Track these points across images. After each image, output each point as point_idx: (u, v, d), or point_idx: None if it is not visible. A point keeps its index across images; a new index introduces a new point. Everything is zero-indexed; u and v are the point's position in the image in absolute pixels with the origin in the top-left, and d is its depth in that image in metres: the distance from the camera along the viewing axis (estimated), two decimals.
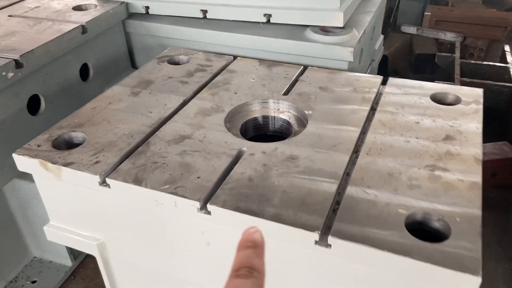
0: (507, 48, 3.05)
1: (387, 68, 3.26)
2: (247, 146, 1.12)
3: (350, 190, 0.97)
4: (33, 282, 1.70)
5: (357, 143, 1.13)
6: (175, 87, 1.42)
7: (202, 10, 1.75)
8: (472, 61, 2.91)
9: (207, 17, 1.77)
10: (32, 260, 1.77)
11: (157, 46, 1.91)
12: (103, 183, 1.04)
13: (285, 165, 1.05)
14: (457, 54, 2.96)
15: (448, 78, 2.86)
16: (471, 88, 1.33)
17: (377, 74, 2.46)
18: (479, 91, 1.32)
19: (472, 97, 1.29)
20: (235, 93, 1.37)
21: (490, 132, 1.58)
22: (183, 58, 1.62)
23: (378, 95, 1.35)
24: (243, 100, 1.33)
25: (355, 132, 1.16)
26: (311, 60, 1.65)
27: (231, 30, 1.73)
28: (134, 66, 2.02)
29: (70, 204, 1.19)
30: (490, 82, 2.58)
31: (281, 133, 1.32)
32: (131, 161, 1.08)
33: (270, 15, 1.65)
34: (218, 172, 1.03)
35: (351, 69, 1.64)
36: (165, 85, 1.43)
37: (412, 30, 3.44)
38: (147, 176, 1.03)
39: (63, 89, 1.60)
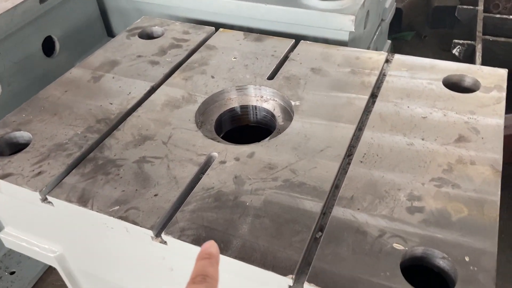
0: None
1: (401, 23, 2.95)
2: (218, 150, 0.94)
3: (337, 212, 0.80)
4: (12, 273, 1.61)
5: (350, 145, 0.94)
6: (143, 69, 1.22)
7: None
8: (497, 15, 2.59)
9: None
10: (10, 250, 1.67)
11: (133, 11, 1.69)
12: (45, 200, 0.89)
13: (261, 178, 0.87)
14: (480, 7, 2.63)
15: (469, 34, 2.57)
16: (493, 68, 1.10)
17: (389, 30, 2.20)
18: (503, 73, 1.09)
19: (493, 80, 1.07)
20: (212, 77, 1.17)
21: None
22: (157, 30, 1.40)
23: (381, 78, 1.13)
24: (220, 86, 1.13)
25: (349, 130, 0.97)
26: (306, 29, 1.42)
27: None
28: (110, 34, 1.81)
29: (21, 214, 1.05)
30: None
31: (265, 125, 1.13)
32: (80, 171, 0.92)
33: None
34: (180, 187, 0.86)
35: (354, 38, 1.41)
36: (132, 66, 1.23)
37: None
38: (95, 192, 0.86)
39: (22, 69, 1.41)
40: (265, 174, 0.88)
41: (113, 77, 1.19)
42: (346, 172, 0.88)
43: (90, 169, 0.92)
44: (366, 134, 0.95)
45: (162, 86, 1.15)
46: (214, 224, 0.79)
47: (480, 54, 2.21)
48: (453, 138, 0.92)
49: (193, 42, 1.32)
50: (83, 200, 0.85)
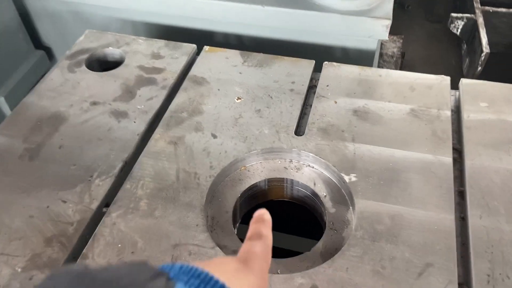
0: None
1: None
2: None
3: None
4: None
5: (457, 257, 0.62)
6: (105, 127, 0.81)
7: None
8: None
9: None
10: None
11: (68, 14, 1.22)
12: None
13: None
14: None
15: (460, 2, 2.29)
16: None
17: None
18: None
19: None
20: (213, 136, 0.79)
21: None
22: (113, 53, 0.98)
23: (457, 122, 0.81)
24: (229, 152, 0.76)
25: (446, 225, 0.64)
26: (320, 36, 1.05)
27: None
28: (39, 46, 1.33)
29: None
30: None
31: (303, 203, 0.78)
32: None
33: None
34: None
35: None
36: (88, 123, 0.82)
37: None
38: None
39: None
40: None
41: (60, 147, 0.78)
42: None
43: None
44: (477, 234, 0.63)
45: (141, 159, 0.76)
46: None
47: (485, 31, 1.93)
48: None
49: (171, 72, 0.92)
50: None
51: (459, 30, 2.07)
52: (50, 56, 1.36)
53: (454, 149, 0.76)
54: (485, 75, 1.88)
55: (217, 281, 0.31)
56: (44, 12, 1.26)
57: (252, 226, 0.47)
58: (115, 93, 0.88)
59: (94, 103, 0.86)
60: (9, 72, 1.23)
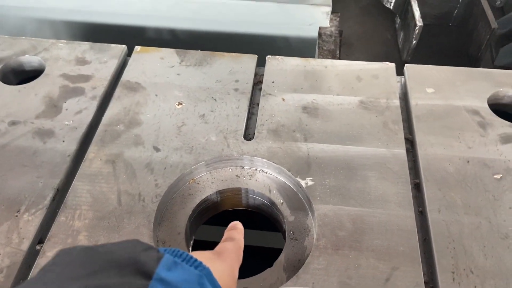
0: None
1: None
2: None
3: None
4: None
5: (422, 256, 0.61)
6: (29, 150, 0.71)
7: None
8: None
9: None
10: None
11: None
12: None
13: None
14: None
15: None
16: None
17: None
18: None
19: None
20: (156, 149, 0.72)
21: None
22: (30, 60, 0.86)
23: (406, 110, 0.80)
24: (175, 166, 0.69)
25: (407, 223, 0.63)
26: (259, 26, 0.99)
27: None
28: None
29: None
30: None
31: (260, 210, 0.74)
32: None
33: None
34: None
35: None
36: (8, 147, 0.72)
37: None
38: None
39: None
40: None
41: None
42: None
43: None
44: (437, 229, 0.62)
45: (74, 184, 0.67)
46: None
47: (417, 5, 1.96)
48: None
49: (101, 79, 0.83)
50: None
51: (392, 5, 2.09)
52: None
53: (406, 139, 0.74)
54: (420, 48, 1.92)
55: (195, 259, 0.37)
56: None
57: (226, 233, 0.53)
58: (37, 109, 0.78)
59: (13, 123, 0.75)
60: None
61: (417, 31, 1.86)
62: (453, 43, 2.01)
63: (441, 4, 2.11)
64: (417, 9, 1.94)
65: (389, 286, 0.57)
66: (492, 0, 2.09)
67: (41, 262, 0.59)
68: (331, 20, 1.77)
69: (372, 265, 0.59)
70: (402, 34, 2.06)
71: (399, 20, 2.12)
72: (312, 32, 0.98)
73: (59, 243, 0.61)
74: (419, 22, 1.82)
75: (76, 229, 0.62)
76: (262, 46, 0.99)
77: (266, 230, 0.86)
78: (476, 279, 0.58)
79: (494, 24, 1.87)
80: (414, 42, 1.90)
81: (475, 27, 2.05)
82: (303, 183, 0.67)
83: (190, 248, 0.66)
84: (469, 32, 2.06)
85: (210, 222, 0.75)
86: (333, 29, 1.75)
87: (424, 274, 0.59)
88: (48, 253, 0.60)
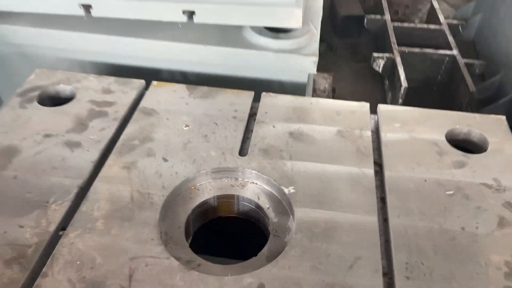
0: (435, 4, 2.81)
1: None
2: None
3: None
4: None
5: (382, 251, 0.72)
6: (59, 157, 0.85)
7: (84, 5, 1.12)
8: (405, 25, 2.62)
9: (92, 14, 1.15)
10: None
11: (16, 59, 1.26)
12: None
13: None
14: (387, 16, 2.64)
15: (380, 43, 2.56)
16: (489, 117, 0.98)
17: None
18: (502, 122, 0.97)
19: (496, 131, 0.94)
20: (165, 159, 0.86)
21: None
22: (64, 89, 1.03)
23: (377, 140, 0.94)
24: (180, 173, 0.83)
25: (371, 225, 0.75)
26: (257, 72, 1.17)
27: (134, 34, 1.15)
28: None
29: None
30: (430, 50, 2.32)
31: (249, 217, 0.86)
32: None
33: (192, 12, 1.10)
34: None
35: (309, 77, 1.20)
36: (41, 154, 0.86)
37: None
38: None
39: None
40: None
41: (14, 177, 0.81)
42: None
43: None
44: (396, 230, 0.74)
45: (96, 184, 0.81)
46: None
47: (402, 68, 2.18)
48: (494, 222, 0.76)
49: (122, 105, 0.99)
50: None
51: (380, 68, 2.31)
52: None
53: (375, 162, 0.88)
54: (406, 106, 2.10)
55: None
56: None
57: None
58: (68, 125, 0.93)
59: (47, 136, 0.90)
60: None
61: (402, 92, 2.06)
62: (436, 105, 2.20)
63: (425, 70, 2.33)
64: (403, 72, 2.15)
65: (352, 271, 0.68)
66: (472, 68, 2.31)
67: (64, 241, 0.71)
68: (325, 78, 1.97)
69: (339, 255, 0.70)
70: (390, 94, 2.26)
71: (387, 82, 2.33)
72: (302, 78, 1.16)
73: (81, 227, 0.73)
74: (404, 83, 2.02)
75: (94, 218, 0.75)
76: (260, 88, 1.16)
77: (254, 236, 0.97)
78: (426, 269, 0.69)
79: (472, 88, 2.07)
80: (400, 101, 2.09)
81: (456, 91, 2.25)
82: (286, 190, 0.80)
83: (189, 241, 0.78)
84: (450, 95, 2.26)
85: (207, 227, 0.87)
86: (326, 85, 1.95)
87: (383, 267, 0.71)
88: (71, 234, 0.72)
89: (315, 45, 1.13)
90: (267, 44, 1.12)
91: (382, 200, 0.82)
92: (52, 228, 0.73)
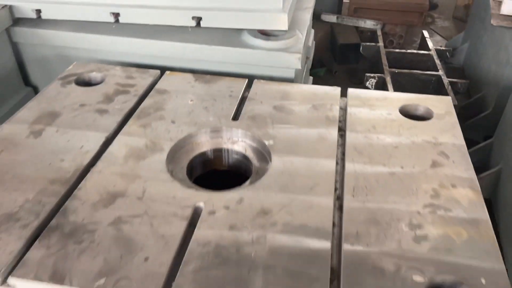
0: (426, 34, 3.08)
1: (311, 60, 3.13)
2: (203, 199, 0.87)
3: (347, 251, 0.77)
4: None
5: (336, 181, 0.93)
6: (91, 119, 1.09)
7: (113, 13, 1.41)
8: (397, 50, 2.89)
9: (120, 21, 1.43)
10: None
11: (56, 59, 1.54)
12: (3, 282, 0.72)
13: (259, 224, 0.81)
14: (381, 43, 2.91)
15: (375, 67, 2.81)
16: (439, 97, 1.20)
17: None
18: (448, 100, 1.19)
19: (442, 107, 1.16)
20: (173, 122, 1.09)
21: None
22: (95, 76, 1.29)
23: (343, 112, 1.16)
24: (184, 131, 1.06)
25: (330, 164, 0.96)
26: (251, 68, 1.41)
27: (153, 36, 1.42)
28: (28, 83, 1.62)
29: None
30: (418, 71, 2.57)
31: (238, 169, 1.08)
32: (44, 243, 0.77)
33: (200, 18, 1.37)
34: (172, 247, 0.77)
35: (296, 75, 1.44)
36: (77, 117, 1.10)
37: (332, 18, 3.34)
38: (71, 265, 0.73)
39: None
40: (262, 220, 0.82)
41: (57, 131, 1.05)
42: (341, 208, 0.86)
43: (56, 239, 0.77)
44: (349, 167, 0.95)
45: (119, 136, 1.04)
46: (224, 283, 0.71)
47: (391, 85, 2.41)
48: (428, 164, 0.96)
49: (141, 86, 1.23)
50: (57, 278, 0.71)
51: (373, 86, 2.55)
52: (37, 92, 1.63)
53: (340, 129, 1.10)
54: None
55: None
56: (35, 58, 1.57)
57: None
58: (97, 99, 1.17)
59: (82, 105, 1.15)
60: (3, 105, 1.50)
61: None
62: None
63: (414, 89, 2.56)
64: (392, 90, 2.38)
65: (313, 191, 0.89)
66: (455, 85, 2.53)
67: (94, 169, 0.93)
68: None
69: (303, 181, 0.91)
70: None
71: None
72: (289, 73, 1.40)
73: (108, 162, 0.96)
74: None
75: (117, 156, 0.98)
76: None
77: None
78: (368, 191, 0.89)
79: (455, 102, 2.28)
80: None
81: None
82: (266, 142, 1.02)
83: (192, 180, 0.99)
84: None
85: (203, 179, 1.08)
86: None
87: (336, 189, 0.91)
88: (100, 165, 0.94)
89: (300, 46, 1.38)
90: (261, 44, 1.37)
91: (343, 154, 1.03)
92: (85, 162, 0.96)
